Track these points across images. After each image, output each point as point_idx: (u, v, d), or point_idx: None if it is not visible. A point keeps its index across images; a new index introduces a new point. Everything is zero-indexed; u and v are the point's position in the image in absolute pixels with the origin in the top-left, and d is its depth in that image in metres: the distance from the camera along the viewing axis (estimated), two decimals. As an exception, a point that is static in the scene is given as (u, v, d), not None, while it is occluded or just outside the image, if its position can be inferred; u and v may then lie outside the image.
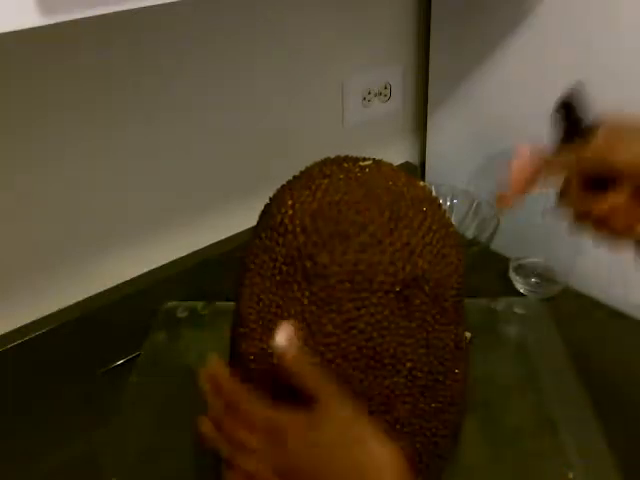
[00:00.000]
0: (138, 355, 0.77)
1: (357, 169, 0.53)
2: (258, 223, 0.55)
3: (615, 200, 0.46)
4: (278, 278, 0.50)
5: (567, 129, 0.50)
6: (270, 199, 0.56)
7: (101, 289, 0.80)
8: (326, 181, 0.52)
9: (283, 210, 0.51)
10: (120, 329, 0.79)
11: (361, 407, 0.45)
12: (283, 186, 0.55)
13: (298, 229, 0.49)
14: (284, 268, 0.50)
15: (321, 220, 0.49)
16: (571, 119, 0.49)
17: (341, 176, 0.52)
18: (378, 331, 0.48)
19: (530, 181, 0.52)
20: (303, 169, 0.56)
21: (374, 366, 0.49)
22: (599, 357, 0.76)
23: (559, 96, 0.50)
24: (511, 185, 0.52)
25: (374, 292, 0.48)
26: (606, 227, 0.48)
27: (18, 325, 0.74)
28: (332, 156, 0.58)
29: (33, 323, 0.75)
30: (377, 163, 0.55)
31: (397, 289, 0.48)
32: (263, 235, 0.52)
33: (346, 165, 0.54)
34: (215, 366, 0.49)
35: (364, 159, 0.55)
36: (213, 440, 0.48)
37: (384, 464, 0.43)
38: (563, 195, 0.50)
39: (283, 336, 0.46)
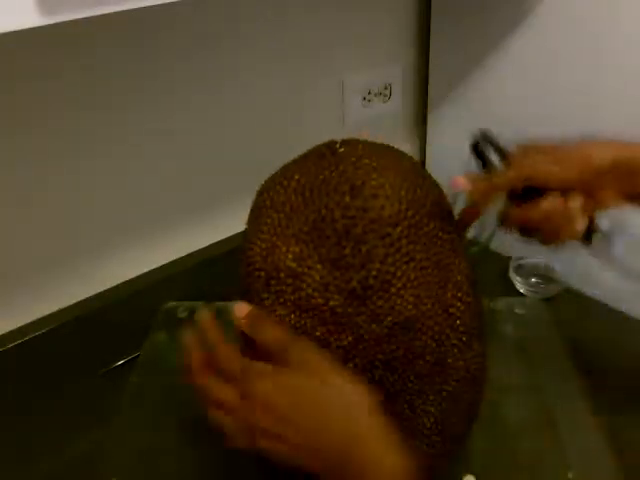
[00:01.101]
0: (138, 355, 0.78)
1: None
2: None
3: (545, 205, 0.52)
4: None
5: (485, 161, 0.56)
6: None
7: (101, 289, 0.80)
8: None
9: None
10: (120, 329, 0.79)
11: (326, 355, 0.47)
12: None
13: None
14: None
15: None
16: (487, 153, 0.55)
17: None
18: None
19: (478, 205, 0.57)
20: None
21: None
22: (599, 357, 0.76)
23: (473, 137, 0.57)
24: (463, 216, 0.59)
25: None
26: (545, 231, 0.53)
27: (18, 325, 0.74)
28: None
29: (33, 323, 0.75)
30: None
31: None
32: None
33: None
34: (204, 316, 0.52)
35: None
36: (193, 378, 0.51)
37: (353, 402, 0.45)
38: (501, 215, 0.56)
39: (239, 308, 0.50)
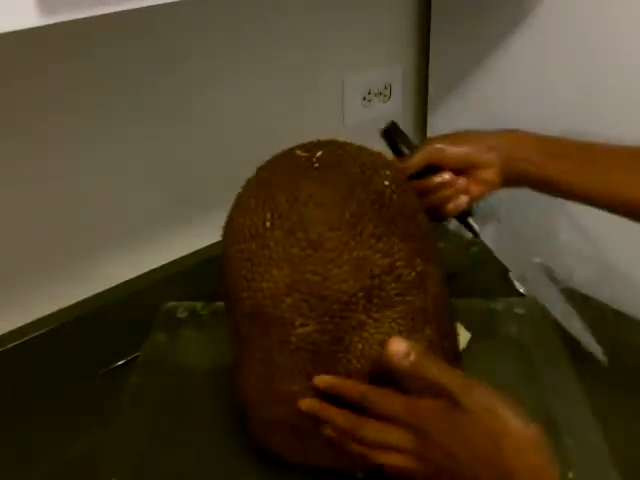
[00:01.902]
0: (138, 355, 0.78)
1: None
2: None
3: (441, 177, 0.65)
4: None
5: (397, 147, 0.67)
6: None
7: (101, 289, 0.80)
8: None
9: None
10: (120, 329, 0.79)
11: (495, 390, 0.47)
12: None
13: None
14: None
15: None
16: (395, 140, 0.67)
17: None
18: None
19: None
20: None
21: None
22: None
23: (382, 127, 0.69)
24: None
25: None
26: (432, 202, 0.66)
27: (18, 325, 0.74)
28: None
29: (33, 323, 0.75)
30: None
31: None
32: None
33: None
34: (323, 380, 0.51)
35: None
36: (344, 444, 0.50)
37: (527, 441, 0.44)
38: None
39: (399, 346, 0.48)
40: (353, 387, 0.50)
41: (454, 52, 0.95)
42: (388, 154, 0.66)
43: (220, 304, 0.83)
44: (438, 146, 0.65)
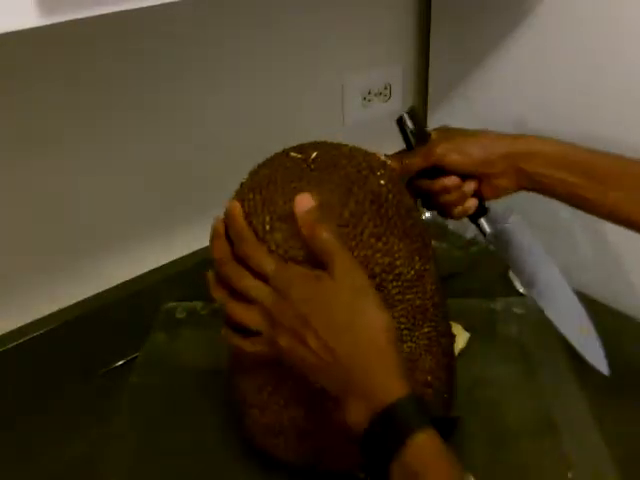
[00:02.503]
0: (138, 355, 0.78)
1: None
2: None
3: (444, 182, 0.64)
4: None
5: (408, 138, 0.66)
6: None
7: (101, 289, 0.80)
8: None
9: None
10: (120, 329, 0.79)
11: (367, 278, 0.48)
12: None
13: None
14: None
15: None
16: (409, 130, 0.66)
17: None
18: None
19: None
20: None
21: None
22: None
23: (399, 113, 0.66)
24: None
25: None
26: (441, 203, 0.66)
27: (18, 325, 0.74)
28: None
29: (33, 323, 0.75)
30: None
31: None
32: None
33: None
34: (233, 207, 0.52)
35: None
36: (215, 289, 0.51)
37: (379, 326, 0.46)
38: (409, 185, 0.66)
39: (304, 202, 0.49)
40: (239, 230, 0.50)
41: (454, 52, 0.95)
42: (399, 144, 0.67)
43: (219, 304, 0.83)
44: (445, 151, 0.63)
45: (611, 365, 0.74)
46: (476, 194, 0.66)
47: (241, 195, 0.54)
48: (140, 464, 0.64)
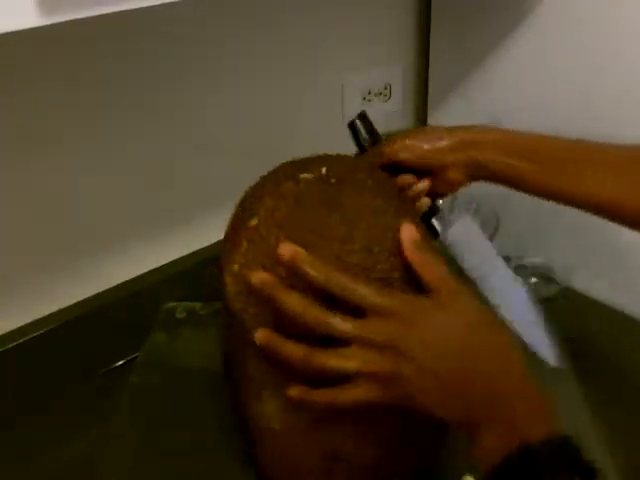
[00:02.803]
0: (137, 356, 0.78)
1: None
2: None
3: (403, 180, 0.63)
4: None
5: (360, 143, 0.67)
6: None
7: (101, 289, 0.80)
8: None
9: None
10: (120, 329, 0.79)
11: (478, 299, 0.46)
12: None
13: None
14: None
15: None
16: (361, 135, 0.67)
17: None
18: None
19: None
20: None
21: None
22: (598, 356, 0.76)
23: (351, 119, 0.67)
24: None
25: None
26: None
27: (18, 325, 0.74)
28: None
29: (33, 323, 0.75)
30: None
31: None
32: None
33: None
34: (291, 249, 0.44)
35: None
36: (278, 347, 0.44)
37: (511, 345, 0.44)
38: None
39: (408, 229, 0.47)
40: (318, 266, 0.43)
41: (454, 52, 0.95)
42: (352, 148, 0.67)
43: (219, 304, 0.83)
44: (398, 146, 0.64)
45: (611, 365, 0.74)
46: (428, 194, 0.65)
47: (277, 234, 0.48)
48: (140, 464, 0.64)
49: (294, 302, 0.43)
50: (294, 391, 0.45)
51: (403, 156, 0.63)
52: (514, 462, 0.39)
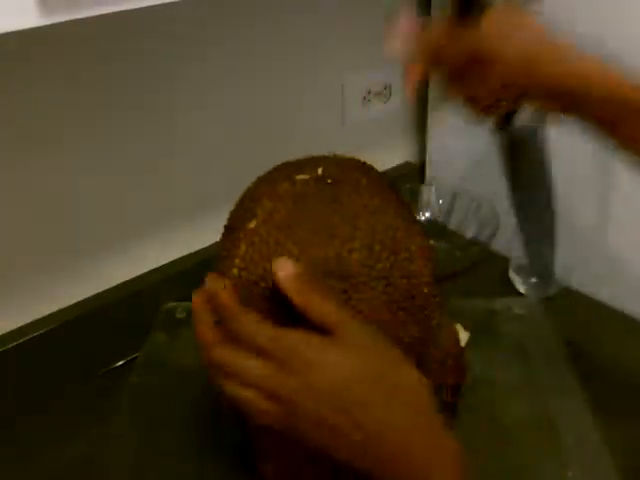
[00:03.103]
0: (137, 356, 0.78)
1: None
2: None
3: (485, 87, 0.54)
4: None
5: (462, 3, 0.56)
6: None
7: (101, 289, 0.80)
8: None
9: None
10: (120, 329, 0.79)
11: (380, 334, 0.42)
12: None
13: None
14: None
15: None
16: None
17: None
18: None
19: (422, 55, 0.57)
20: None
21: None
22: (599, 357, 0.76)
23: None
24: (407, 71, 0.57)
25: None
26: (473, 103, 0.57)
27: (18, 325, 0.74)
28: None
29: (33, 323, 0.75)
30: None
31: None
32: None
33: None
34: (213, 281, 0.43)
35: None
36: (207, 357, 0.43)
37: (419, 385, 0.41)
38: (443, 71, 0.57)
39: (284, 266, 0.42)
40: (226, 302, 0.41)
41: (454, 52, 0.95)
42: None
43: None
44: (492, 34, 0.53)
45: (611, 365, 0.74)
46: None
47: (277, 237, 0.49)
48: (140, 464, 0.64)
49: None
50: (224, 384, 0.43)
51: (494, 47, 0.53)
52: None
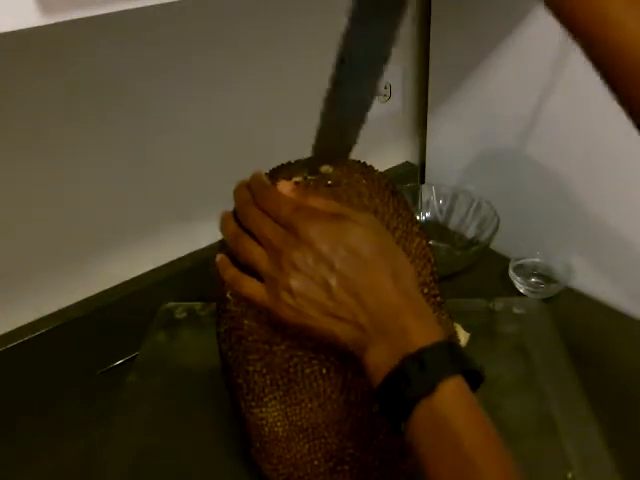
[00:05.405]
0: (137, 355, 0.78)
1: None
2: None
3: None
4: None
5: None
6: None
7: (101, 289, 0.80)
8: None
9: None
10: (119, 329, 0.79)
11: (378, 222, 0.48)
12: None
13: None
14: None
15: None
16: None
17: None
18: None
19: None
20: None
21: None
22: (599, 357, 0.76)
23: None
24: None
25: None
26: None
27: (18, 325, 0.74)
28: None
29: (33, 323, 0.75)
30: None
31: None
32: None
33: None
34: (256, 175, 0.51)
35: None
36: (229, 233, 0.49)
37: (412, 269, 0.47)
38: None
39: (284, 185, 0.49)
40: (260, 180, 0.50)
41: (454, 52, 0.95)
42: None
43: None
44: None
45: (610, 364, 0.74)
46: None
47: None
48: (140, 464, 0.64)
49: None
50: (219, 257, 0.50)
51: None
52: (402, 368, 0.41)
